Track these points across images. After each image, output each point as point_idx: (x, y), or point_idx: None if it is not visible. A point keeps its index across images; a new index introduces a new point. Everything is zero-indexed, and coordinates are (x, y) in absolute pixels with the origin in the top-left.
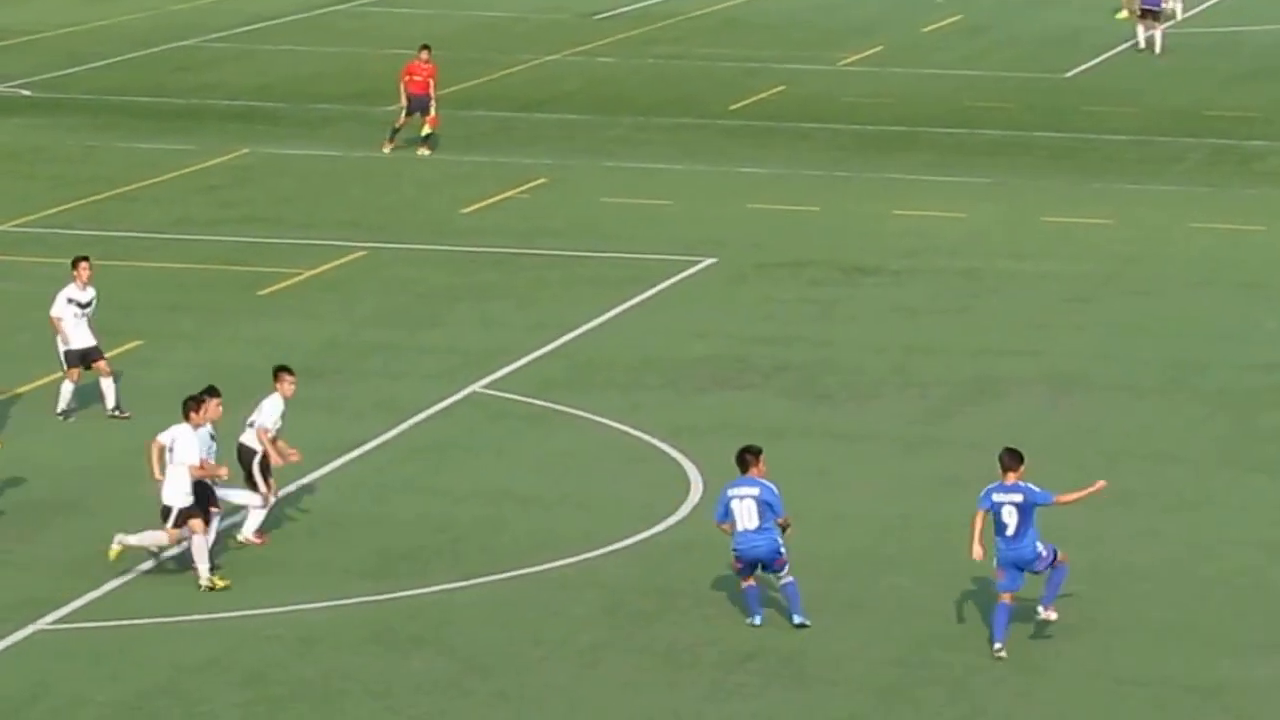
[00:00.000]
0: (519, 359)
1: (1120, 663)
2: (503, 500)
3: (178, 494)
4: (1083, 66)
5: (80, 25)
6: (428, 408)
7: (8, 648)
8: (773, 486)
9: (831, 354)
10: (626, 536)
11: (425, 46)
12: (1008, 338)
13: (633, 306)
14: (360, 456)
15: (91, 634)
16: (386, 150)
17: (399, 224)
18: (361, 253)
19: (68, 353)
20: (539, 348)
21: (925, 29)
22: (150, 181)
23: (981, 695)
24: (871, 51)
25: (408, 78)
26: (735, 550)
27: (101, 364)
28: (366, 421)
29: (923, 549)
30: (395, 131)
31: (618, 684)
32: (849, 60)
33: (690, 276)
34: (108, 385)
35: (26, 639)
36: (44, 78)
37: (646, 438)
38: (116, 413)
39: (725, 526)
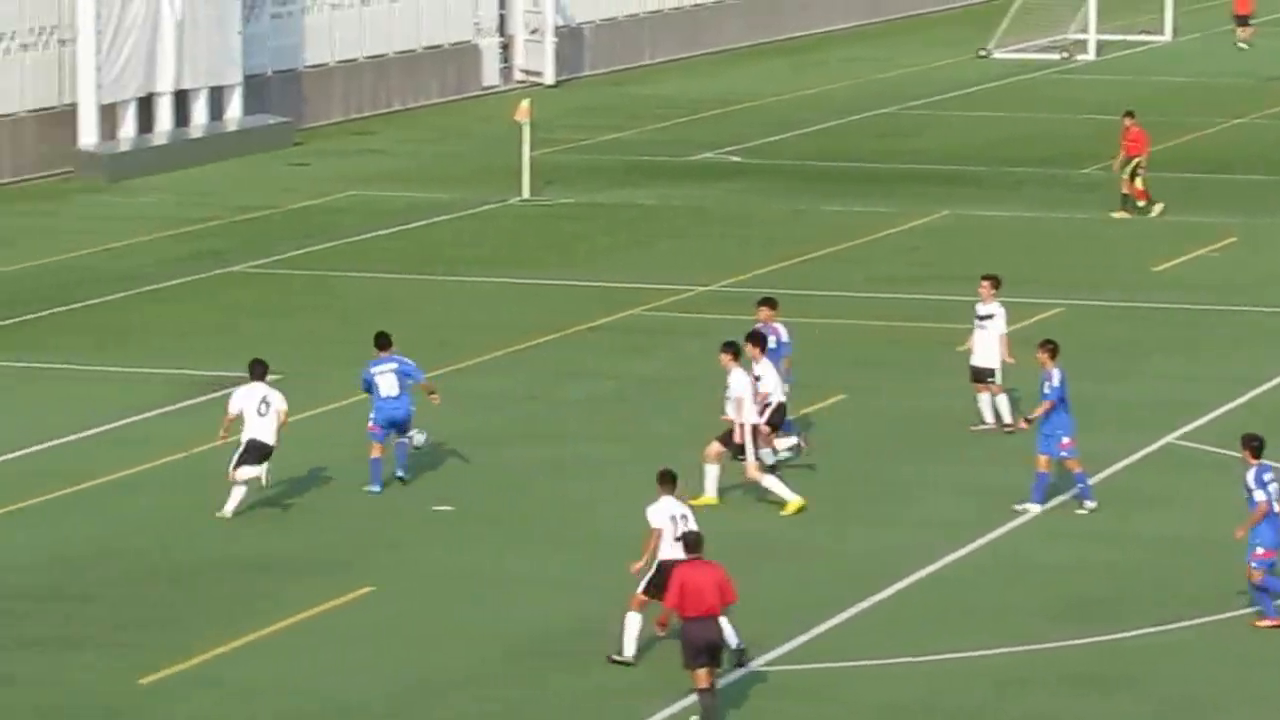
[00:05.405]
0: (1211, 411)
1: None
2: (1197, 548)
3: None
4: None
5: (788, 94)
6: (1123, 458)
7: (725, 686)
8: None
9: None
10: None
11: (1128, 113)
12: None
13: None
14: (1054, 505)
15: (803, 674)
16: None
17: (1092, 281)
18: (1057, 309)
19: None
20: (1230, 400)
21: None
22: (854, 243)
23: None
24: None
25: (1124, 143)
26: (372, 417)
27: None
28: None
29: None
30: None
31: None
32: None
33: None
34: None
35: (744, 678)
36: (751, 144)
37: None
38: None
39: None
